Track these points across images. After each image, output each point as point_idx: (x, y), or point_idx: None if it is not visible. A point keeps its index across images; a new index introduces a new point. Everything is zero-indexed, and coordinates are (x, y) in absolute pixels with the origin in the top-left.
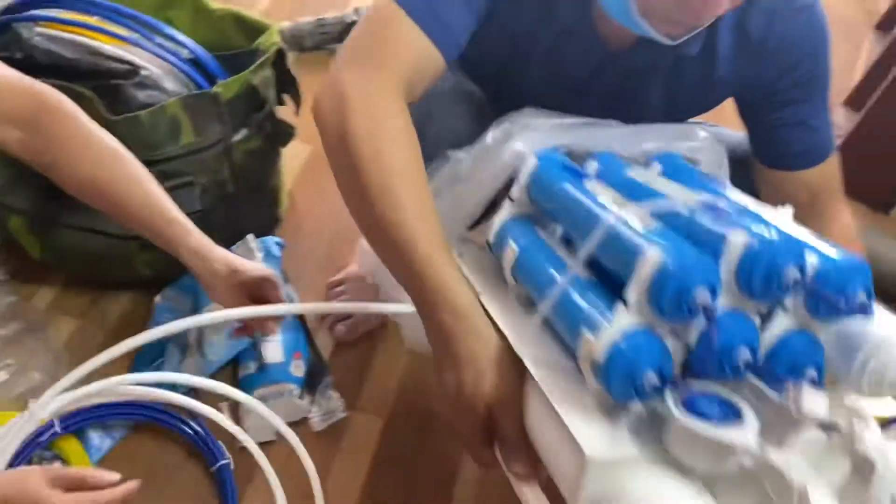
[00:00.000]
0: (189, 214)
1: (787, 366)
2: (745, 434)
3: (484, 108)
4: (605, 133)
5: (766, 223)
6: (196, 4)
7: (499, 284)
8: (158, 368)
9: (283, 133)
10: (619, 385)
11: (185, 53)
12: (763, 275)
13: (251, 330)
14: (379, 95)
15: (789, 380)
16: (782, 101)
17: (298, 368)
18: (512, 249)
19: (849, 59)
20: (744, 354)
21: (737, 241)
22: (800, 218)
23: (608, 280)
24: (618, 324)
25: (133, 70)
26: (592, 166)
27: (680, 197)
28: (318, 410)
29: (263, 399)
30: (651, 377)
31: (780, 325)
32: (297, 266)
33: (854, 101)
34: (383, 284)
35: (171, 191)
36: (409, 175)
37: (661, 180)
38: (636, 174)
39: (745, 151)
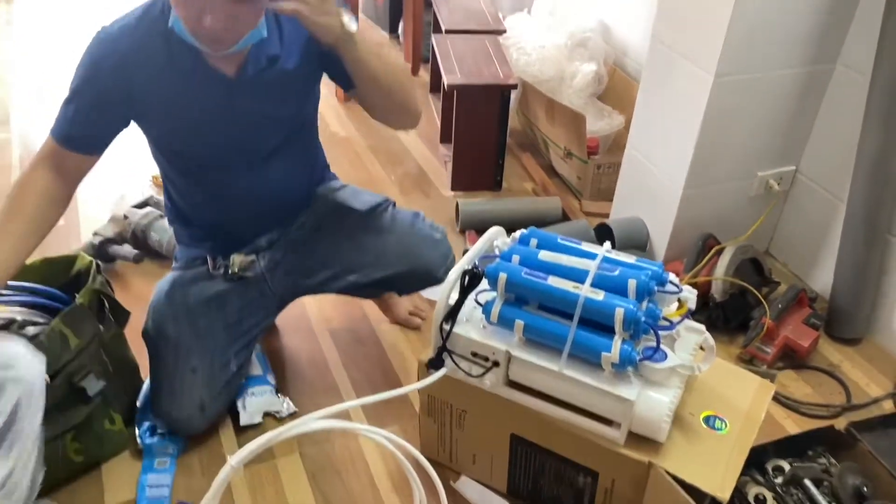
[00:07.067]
0: (94, 396)
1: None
2: (672, 360)
3: None
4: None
5: (617, 262)
6: None
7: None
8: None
9: (124, 315)
10: (625, 366)
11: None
12: (647, 292)
13: None
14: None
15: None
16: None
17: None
18: (519, 323)
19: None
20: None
21: (632, 283)
22: None
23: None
24: (616, 345)
25: (10, 321)
26: (533, 242)
27: (584, 266)
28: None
29: (253, 395)
30: (634, 359)
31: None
32: None
33: (444, 138)
34: None
35: (79, 382)
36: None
37: (559, 256)
38: (543, 256)
39: None
